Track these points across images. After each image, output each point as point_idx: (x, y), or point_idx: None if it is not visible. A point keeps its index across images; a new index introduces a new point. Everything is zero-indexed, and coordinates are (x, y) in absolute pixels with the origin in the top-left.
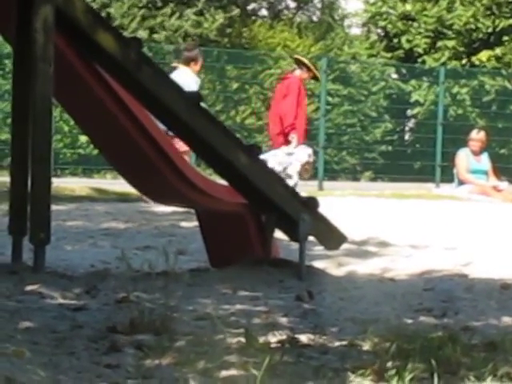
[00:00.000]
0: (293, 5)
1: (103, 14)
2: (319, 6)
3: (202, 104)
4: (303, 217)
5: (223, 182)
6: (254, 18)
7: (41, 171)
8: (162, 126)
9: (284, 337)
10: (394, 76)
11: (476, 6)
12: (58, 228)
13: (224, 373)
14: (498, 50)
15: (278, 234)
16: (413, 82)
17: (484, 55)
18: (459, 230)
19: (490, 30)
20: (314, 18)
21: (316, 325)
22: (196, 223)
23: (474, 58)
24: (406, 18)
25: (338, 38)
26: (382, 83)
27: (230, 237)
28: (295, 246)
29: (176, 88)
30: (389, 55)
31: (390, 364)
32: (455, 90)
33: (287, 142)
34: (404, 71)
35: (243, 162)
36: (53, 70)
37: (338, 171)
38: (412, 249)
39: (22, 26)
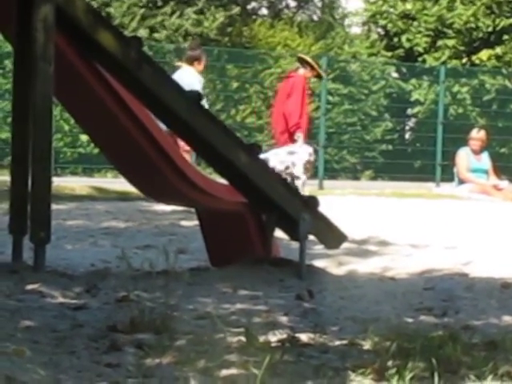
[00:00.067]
0: (293, 4)
1: (103, 14)
2: (319, 5)
3: (204, 102)
4: (303, 216)
5: (223, 181)
6: (254, 17)
7: (41, 170)
8: (162, 126)
9: (284, 336)
10: (395, 75)
11: (476, 5)
12: (59, 227)
13: (224, 372)
14: (499, 49)
15: (279, 233)
16: (413, 81)
17: (484, 54)
18: (459, 229)
19: (490, 29)
20: (315, 17)
21: (316, 324)
22: (196, 222)
23: (474, 57)
24: (407, 16)
25: (339, 37)
26: (383, 82)
27: (231, 236)
28: (295, 245)
29: (176, 87)
30: (389, 54)
31: (390, 363)
32: (455, 89)
33: (291, 141)
34: (404, 70)
35: (243, 161)
36: (53, 69)
37: (338, 170)
38: (412, 248)
39: (22, 25)
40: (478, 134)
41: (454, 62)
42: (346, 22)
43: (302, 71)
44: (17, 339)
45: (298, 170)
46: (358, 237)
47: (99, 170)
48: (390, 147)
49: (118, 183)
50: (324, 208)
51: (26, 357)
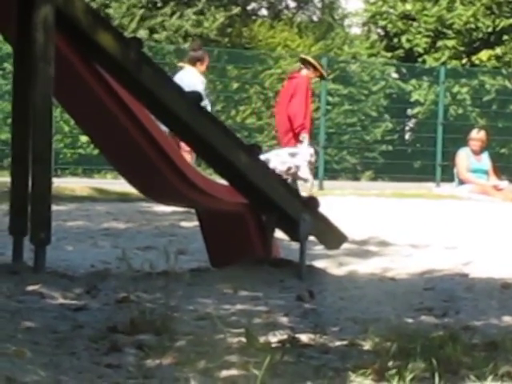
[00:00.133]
0: (293, 4)
1: (102, 15)
2: (319, 5)
3: (205, 103)
4: (304, 216)
5: (223, 182)
6: (254, 17)
7: (41, 171)
8: (163, 127)
9: (285, 336)
10: (395, 75)
11: (476, 6)
12: (59, 228)
13: (224, 372)
14: (499, 50)
15: (279, 234)
16: (413, 81)
17: (484, 55)
18: (460, 230)
19: (490, 29)
20: (314, 18)
21: (316, 324)
22: (196, 223)
23: (474, 58)
24: (406, 17)
25: (338, 37)
26: (383, 83)
27: (231, 237)
28: (296, 245)
29: (176, 88)
30: (389, 55)
31: (390, 363)
32: (455, 89)
33: (296, 142)
34: (404, 71)
35: (243, 162)
36: (53, 70)
37: (338, 171)
38: (412, 248)
39: (22, 25)
40: (477, 135)
41: (454, 63)
42: (346, 22)
43: (304, 72)
44: (17, 340)
45: (305, 172)
46: (358, 237)
47: (99, 171)
48: (390, 148)
49: (118, 184)
50: (324, 208)
51: (27, 358)
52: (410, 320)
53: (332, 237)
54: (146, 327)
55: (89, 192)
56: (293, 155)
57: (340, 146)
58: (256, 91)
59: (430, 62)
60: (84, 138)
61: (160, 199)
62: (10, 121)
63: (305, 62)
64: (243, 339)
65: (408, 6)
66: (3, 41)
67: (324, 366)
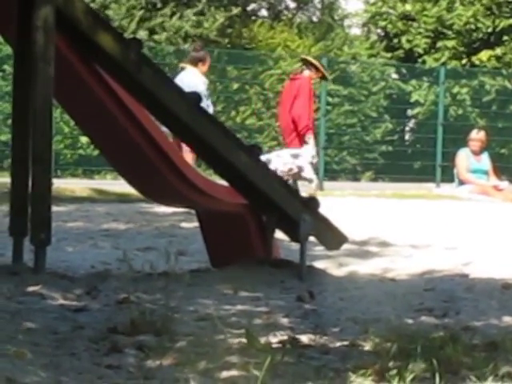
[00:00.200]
0: (293, 5)
1: (102, 16)
2: (319, 6)
3: (207, 103)
4: (304, 217)
5: (224, 183)
6: (254, 18)
7: (41, 172)
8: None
9: (285, 337)
10: (394, 76)
11: (476, 6)
12: (59, 229)
13: (225, 373)
14: (498, 50)
15: (279, 235)
16: (413, 82)
17: (484, 55)
18: (460, 230)
19: (490, 29)
20: (314, 19)
21: (317, 325)
22: (196, 224)
23: (474, 58)
24: (406, 18)
25: (338, 38)
26: (382, 83)
27: (231, 237)
28: (296, 246)
29: (176, 89)
30: (389, 55)
31: (391, 364)
32: (455, 89)
33: (300, 142)
34: (404, 71)
35: (244, 163)
36: (53, 71)
37: (338, 171)
38: (413, 249)
39: (22, 26)
40: (477, 135)
41: (454, 63)
42: (346, 23)
43: (307, 73)
44: (17, 341)
45: (309, 173)
46: (359, 238)
47: (99, 172)
48: (390, 148)
49: (118, 185)
50: (324, 209)
51: (27, 359)
52: (410, 320)
53: (332, 237)
54: (147, 328)
55: (89, 193)
56: (295, 156)
57: (340, 147)
58: (256, 92)
59: (429, 62)
60: (84, 139)
61: (160, 200)
62: (10, 122)
63: (307, 63)
64: (243, 340)
65: (408, 7)
66: (3, 42)
67: (324, 366)
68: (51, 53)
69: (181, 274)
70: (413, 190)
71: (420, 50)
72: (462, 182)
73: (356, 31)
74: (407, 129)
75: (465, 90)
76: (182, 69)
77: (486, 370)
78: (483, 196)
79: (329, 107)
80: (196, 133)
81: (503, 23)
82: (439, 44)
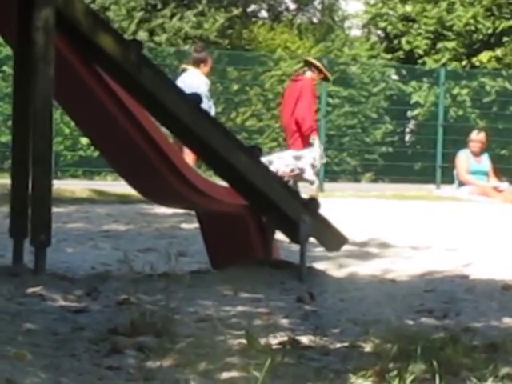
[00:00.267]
0: (293, 6)
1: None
2: (319, 7)
3: (210, 104)
4: (304, 218)
5: (224, 184)
6: (254, 19)
7: (41, 173)
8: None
9: (285, 338)
10: (395, 77)
11: (476, 7)
12: (59, 230)
13: (225, 374)
14: (499, 51)
15: (279, 236)
16: (413, 83)
17: (484, 56)
18: (460, 231)
19: (490, 31)
20: (314, 20)
21: (317, 326)
22: (197, 225)
23: (474, 59)
24: (406, 19)
25: (338, 39)
26: (383, 84)
27: (231, 238)
28: (296, 247)
29: (176, 90)
30: (389, 56)
31: (391, 365)
32: (455, 91)
33: (304, 143)
34: (404, 72)
35: (244, 164)
36: (53, 72)
37: (338, 172)
38: (413, 250)
39: (22, 27)
40: (477, 136)
41: (454, 64)
42: (346, 24)
43: (309, 74)
44: (17, 342)
45: (310, 175)
46: (359, 239)
47: (99, 173)
48: (391, 149)
49: (119, 186)
50: (324, 210)
51: (27, 360)
52: (410, 322)
53: (332, 238)
54: (147, 329)
55: (89, 194)
56: (297, 158)
57: (340, 148)
58: (256, 93)
59: (430, 63)
60: (84, 140)
61: (160, 201)
62: (10, 123)
63: (309, 64)
64: (244, 341)
65: (408, 8)
66: (3, 43)
67: (325, 367)
68: (51, 54)
69: (181, 275)
70: (413, 191)
71: (420, 51)
72: (462, 183)
73: (356, 32)
74: (407, 130)
75: (465, 91)
76: (184, 70)
77: (486, 371)
78: (483, 197)
79: (329, 108)
80: (196, 134)
81: (503, 24)
82: (439, 45)
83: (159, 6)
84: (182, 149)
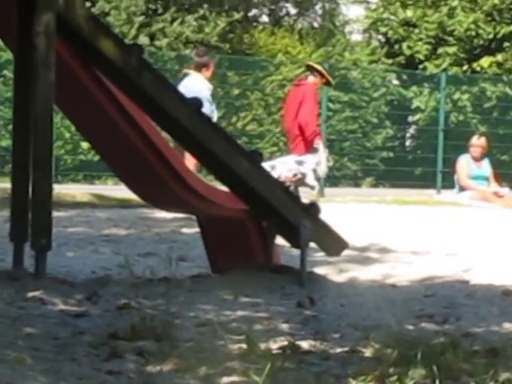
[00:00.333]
0: (294, 11)
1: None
2: (320, 12)
3: (212, 109)
4: (304, 223)
5: (224, 188)
6: (255, 24)
7: (42, 177)
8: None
9: (285, 343)
10: (395, 82)
11: (477, 13)
12: (59, 234)
13: (225, 379)
14: (499, 57)
15: (279, 241)
16: (414, 88)
17: (485, 61)
18: (460, 236)
19: (491, 36)
20: (315, 25)
21: (317, 331)
22: (197, 229)
23: (475, 65)
24: (407, 24)
25: (339, 44)
26: (383, 89)
27: (231, 243)
28: (296, 252)
29: (177, 94)
30: (390, 61)
31: (391, 370)
32: (456, 96)
33: (307, 148)
34: (405, 77)
35: (244, 169)
36: (54, 76)
37: (339, 177)
38: (413, 255)
39: (23, 31)
40: (478, 141)
41: (455, 69)
42: (347, 29)
43: (311, 79)
44: (18, 346)
45: (311, 180)
46: (359, 244)
47: (100, 177)
48: (391, 154)
49: (119, 190)
50: (325, 215)
51: (27, 364)
52: (410, 327)
53: (333, 243)
54: (147, 333)
55: (89, 198)
56: (300, 163)
57: (341, 153)
58: (257, 98)
59: (430, 68)
60: (85, 145)
61: (161, 206)
62: (10, 127)
63: (311, 69)
64: (244, 346)
65: (409, 13)
66: (4, 47)
67: (325, 372)
68: (52, 58)
69: (181, 279)
70: (413, 196)
71: (421, 57)
72: (462, 188)
73: (357, 37)
74: (408, 135)
75: (466, 96)
76: (185, 75)
77: (487, 376)
78: (484, 202)
79: (330, 113)
80: (197, 139)
81: (504, 30)
82: (440, 50)
83: (160, 11)
84: (184, 153)
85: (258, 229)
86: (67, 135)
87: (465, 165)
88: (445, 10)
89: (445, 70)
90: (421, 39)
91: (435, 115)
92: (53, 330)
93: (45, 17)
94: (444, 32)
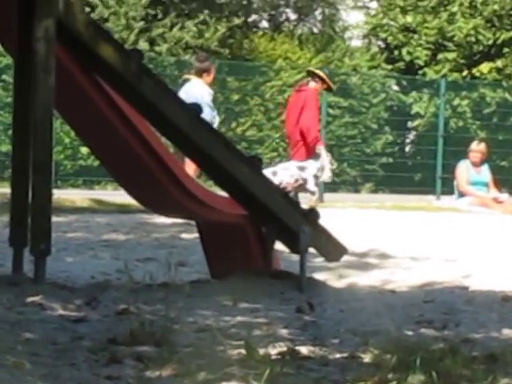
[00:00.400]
0: (294, 17)
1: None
2: (320, 17)
3: (213, 114)
4: (304, 228)
5: (224, 194)
6: (254, 29)
7: (41, 182)
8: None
9: (284, 348)
10: (395, 88)
11: (477, 19)
12: (59, 239)
13: None
14: (499, 62)
15: (279, 246)
16: (413, 93)
17: (485, 67)
18: (460, 242)
19: (490, 42)
20: (315, 30)
21: (316, 337)
22: (196, 235)
23: (474, 70)
24: (407, 29)
25: (339, 49)
26: (383, 95)
27: (231, 248)
28: (296, 257)
29: (177, 100)
30: (389, 67)
31: (390, 376)
32: (456, 102)
33: (309, 153)
34: (405, 83)
35: (244, 174)
36: (54, 81)
37: (338, 183)
38: (412, 261)
39: (23, 36)
40: (478, 147)
41: (455, 75)
42: (347, 34)
43: (313, 84)
44: (17, 352)
45: (312, 185)
46: (359, 249)
47: (99, 183)
48: (391, 160)
49: (119, 195)
50: (324, 221)
51: (26, 369)
52: (409, 332)
53: (332, 249)
54: (146, 339)
55: (89, 203)
56: (301, 169)
57: (340, 159)
58: (256, 103)
59: (430, 74)
60: (84, 150)
61: (160, 211)
62: (10, 132)
63: (313, 75)
64: (243, 351)
65: (409, 19)
66: (3, 53)
67: (324, 378)
68: (52, 63)
69: (181, 284)
70: (413, 202)
71: (421, 62)
72: (462, 194)
73: (357, 43)
74: (407, 141)
75: (465, 102)
76: (186, 80)
77: (486, 382)
78: (483, 208)
79: (329, 119)
80: (196, 144)
81: (504, 35)
82: (440, 56)
83: (160, 16)
84: (183, 159)
85: (258, 234)
86: (67, 140)
87: (464, 171)
88: (445, 15)
89: (444, 75)
90: (420, 45)
91: (435, 121)
92: (52, 335)
93: (45, 22)
94: (444, 38)
